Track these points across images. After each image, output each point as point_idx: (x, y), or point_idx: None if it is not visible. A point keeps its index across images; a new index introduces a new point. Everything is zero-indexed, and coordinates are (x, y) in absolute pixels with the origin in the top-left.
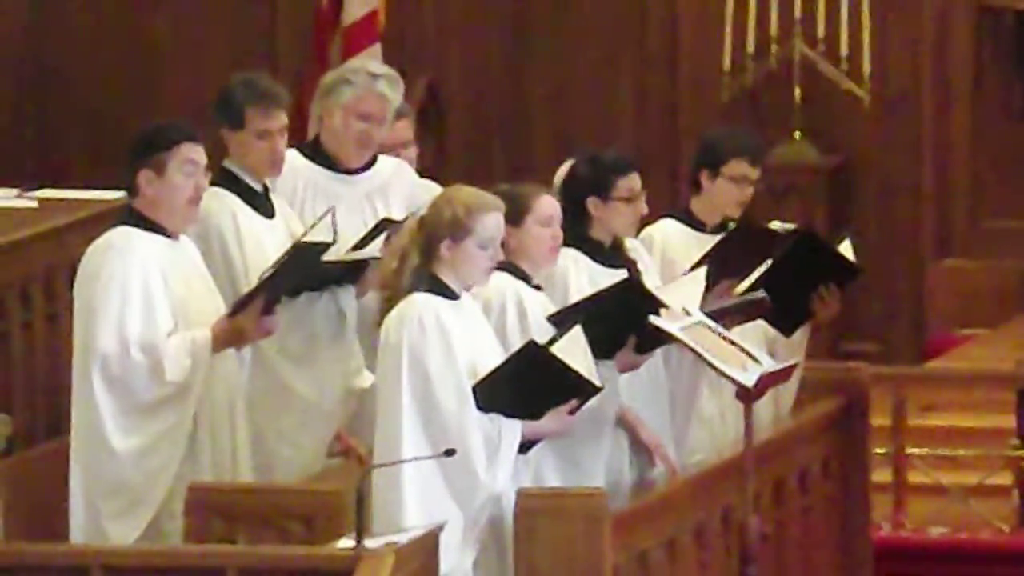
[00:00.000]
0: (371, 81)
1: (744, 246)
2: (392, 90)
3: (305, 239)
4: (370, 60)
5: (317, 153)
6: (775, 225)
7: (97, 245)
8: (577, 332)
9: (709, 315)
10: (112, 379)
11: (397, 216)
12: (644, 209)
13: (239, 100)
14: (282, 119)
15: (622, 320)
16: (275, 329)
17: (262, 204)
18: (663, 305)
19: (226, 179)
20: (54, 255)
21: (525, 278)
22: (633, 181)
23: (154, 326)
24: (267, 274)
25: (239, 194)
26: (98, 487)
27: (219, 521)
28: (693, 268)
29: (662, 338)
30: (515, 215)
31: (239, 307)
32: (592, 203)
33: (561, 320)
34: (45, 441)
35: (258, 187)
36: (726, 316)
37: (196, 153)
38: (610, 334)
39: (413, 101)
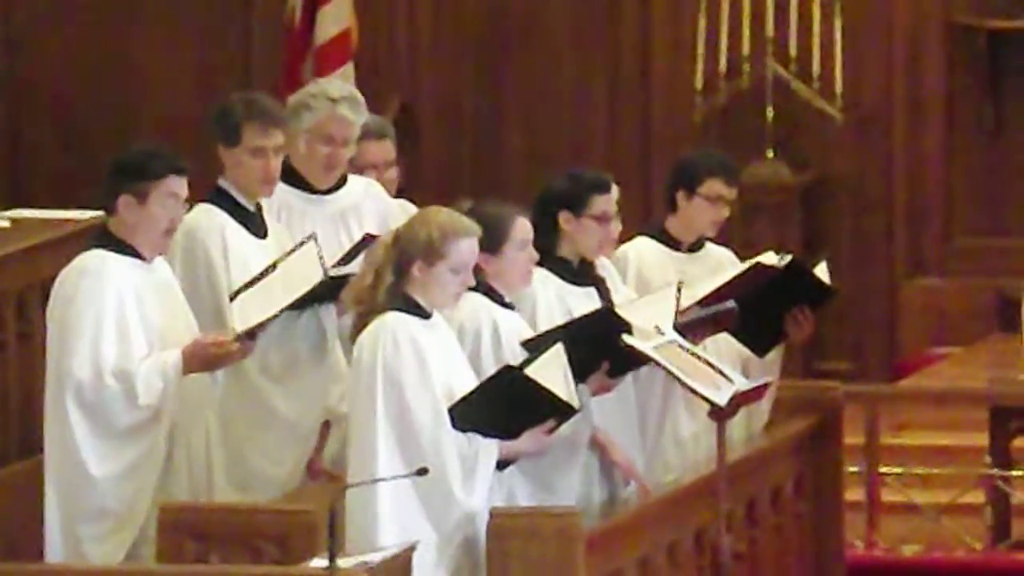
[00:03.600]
0: (331, 106)
1: (744, 283)
2: (353, 112)
3: (333, 272)
4: (331, 82)
5: (287, 175)
6: (770, 257)
7: (71, 268)
8: (556, 352)
9: (678, 328)
10: (87, 405)
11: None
12: (616, 232)
13: (237, 117)
14: (278, 138)
15: (596, 345)
16: (251, 353)
17: (254, 223)
18: (629, 327)
19: (219, 197)
20: (27, 275)
21: (501, 301)
22: (608, 203)
23: (128, 352)
24: (285, 303)
25: (231, 212)
26: (77, 513)
27: (191, 541)
28: (696, 304)
29: (635, 361)
30: (493, 243)
31: (252, 334)
32: (564, 217)
33: (536, 347)
34: (17, 461)
35: (251, 206)
36: (695, 328)
37: (180, 187)
38: (584, 358)
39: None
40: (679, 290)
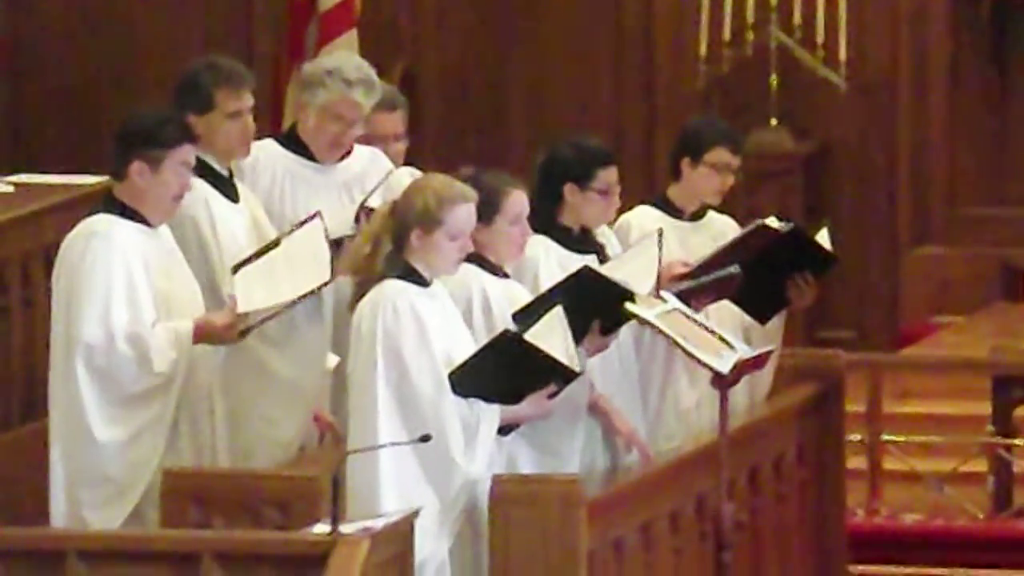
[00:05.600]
0: (345, 88)
1: (748, 244)
2: (366, 96)
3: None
4: (349, 59)
5: (294, 142)
6: (771, 221)
7: (78, 233)
8: (555, 315)
9: (683, 293)
10: (97, 370)
11: (375, 205)
12: (617, 203)
13: (206, 83)
14: (250, 99)
15: (583, 307)
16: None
17: (228, 189)
18: (619, 287)
19: (196, 167)
20: (30, 240)
21: (492, 269)
22: (612, 175)
23: (139, 316)
24: (289, 297)
25: (207, 179)
26: (80, 477)
27: (194, 506)
28: (699, 266)
29: (625, 318)
30: (485, 213)
31: (262, 321)
32: (569, 189)
33: (525, 317)
34: (20, 425)
35: (224, 172)
36: (698, 295)
37: (192, 156)
38: (574, 322)
39: None
40: (660, 237)
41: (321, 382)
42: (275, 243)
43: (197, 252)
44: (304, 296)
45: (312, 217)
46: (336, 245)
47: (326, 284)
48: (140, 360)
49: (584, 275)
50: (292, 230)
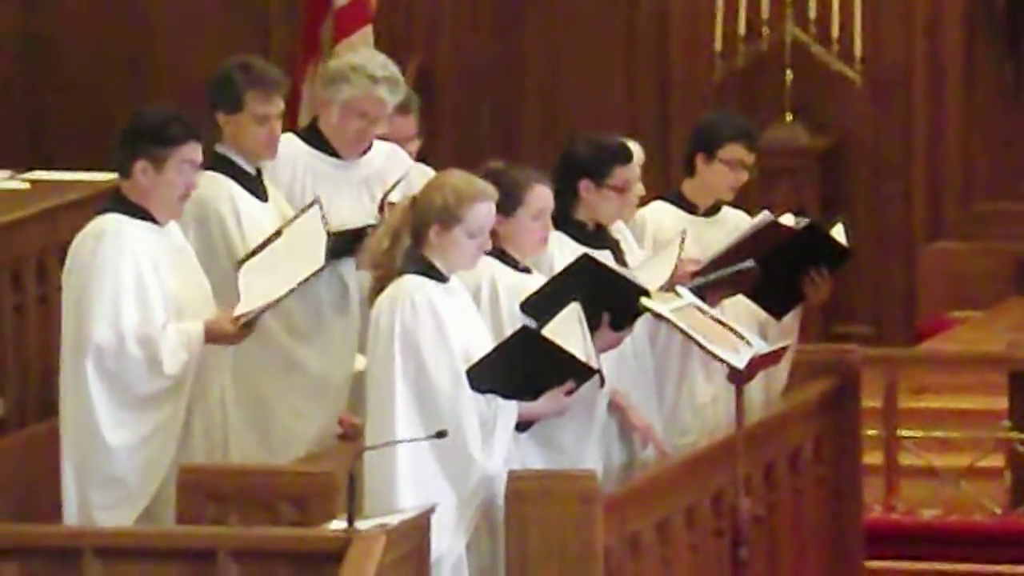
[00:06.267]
0: (370, 85)
1: (759, 240)
2: (391, 93)
3: (338, 229)
4: (374, 57)
5: (316, 138)
6: (788, 219)
7: (87, 233)
8: (572, 311)
9: (700, 288)
10: (107, 372)
11: (396, 199)
12: (636, 201)
13: (238, 84)
14: (280, 104)
15: (591, 300)
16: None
17: (256, 187)
18: (627, 281)
19: (221, 163)
20: (46, 237)
21: (511, 262)
22: (630, 172)
23: (150, 317)
24: (287, 287)
25: (234, 178)
26: (91, 479)
27: (211, 503)
28: (711, 262)
29: (636, 312)
30: (507, 205)
31: (260, 312)
32: (585, 185)
33: (532, 308)
34: (37, 423)
35: (252, 171)
36: (714, 289)
37: (196, 153)
38: (584, 315)
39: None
40: (683, 239)
41: (349, 378)
42: (277, 234)
43: (222, 247)
44: (299, 285)
45: (311, 204)
46: (359, 236)
47: (319, 271)
48: (150, 362)
49: (583, 264)
50: (292, 220)
